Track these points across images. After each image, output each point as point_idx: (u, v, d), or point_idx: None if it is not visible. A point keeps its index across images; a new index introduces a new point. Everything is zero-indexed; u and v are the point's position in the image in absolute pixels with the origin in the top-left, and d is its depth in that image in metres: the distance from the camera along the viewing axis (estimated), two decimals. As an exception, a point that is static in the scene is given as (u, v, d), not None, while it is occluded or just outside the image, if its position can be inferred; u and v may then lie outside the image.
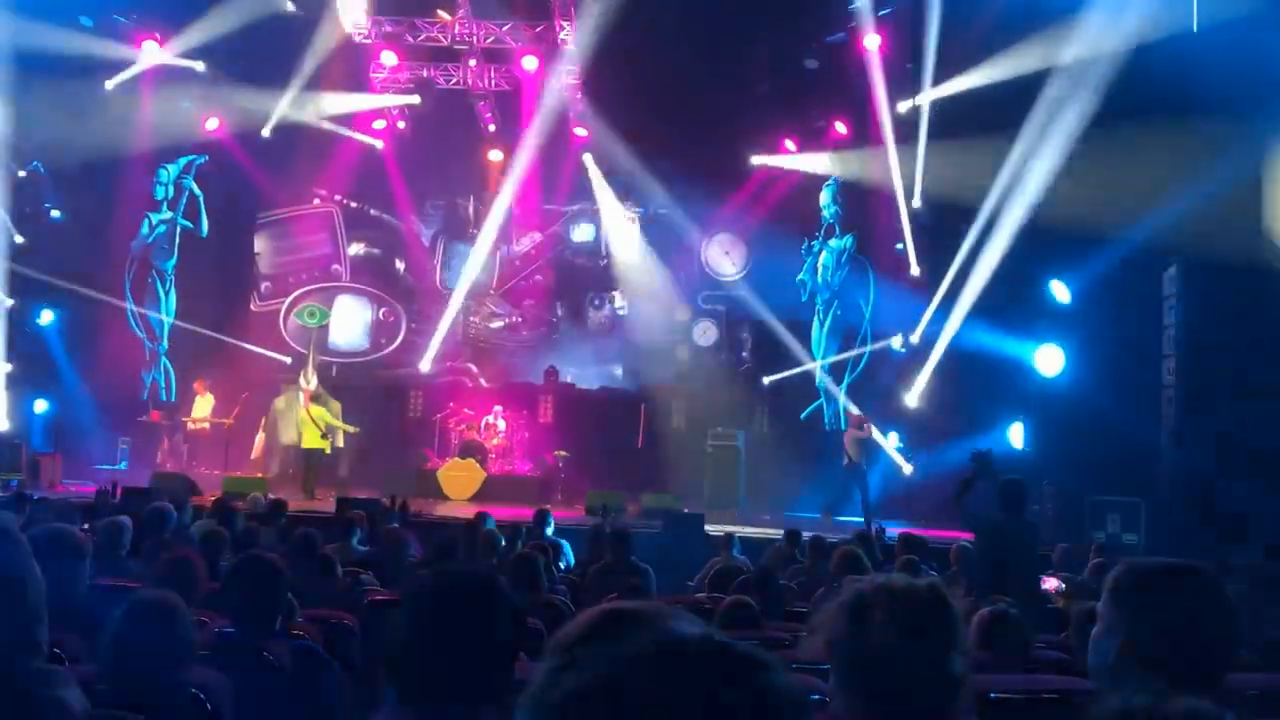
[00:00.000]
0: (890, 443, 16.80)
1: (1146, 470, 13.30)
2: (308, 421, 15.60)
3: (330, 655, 4.10)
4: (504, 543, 7.76)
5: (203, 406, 17.51)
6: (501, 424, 17.85)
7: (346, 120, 18.71)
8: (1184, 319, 13.12)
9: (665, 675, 0.87)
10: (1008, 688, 3.44)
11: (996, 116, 14.38)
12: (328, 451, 15.87)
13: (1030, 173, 13.93)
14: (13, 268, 16.38)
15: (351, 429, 16.30)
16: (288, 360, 19.17)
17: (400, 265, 20.49)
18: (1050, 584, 7.17)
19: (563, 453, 17.14)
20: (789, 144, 18.14)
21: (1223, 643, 1.98)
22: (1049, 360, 14.08)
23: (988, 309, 14.93)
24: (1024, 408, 14.75)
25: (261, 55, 17.35)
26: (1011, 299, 14.71)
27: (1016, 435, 14.95)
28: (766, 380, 18.25)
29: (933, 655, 1.81)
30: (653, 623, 0.93)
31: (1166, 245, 12.86)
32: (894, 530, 10.43)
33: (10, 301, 16.19)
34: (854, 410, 16.46)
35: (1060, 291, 14.25)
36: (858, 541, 8.26)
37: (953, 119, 15.34)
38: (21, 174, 16.67)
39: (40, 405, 16.65)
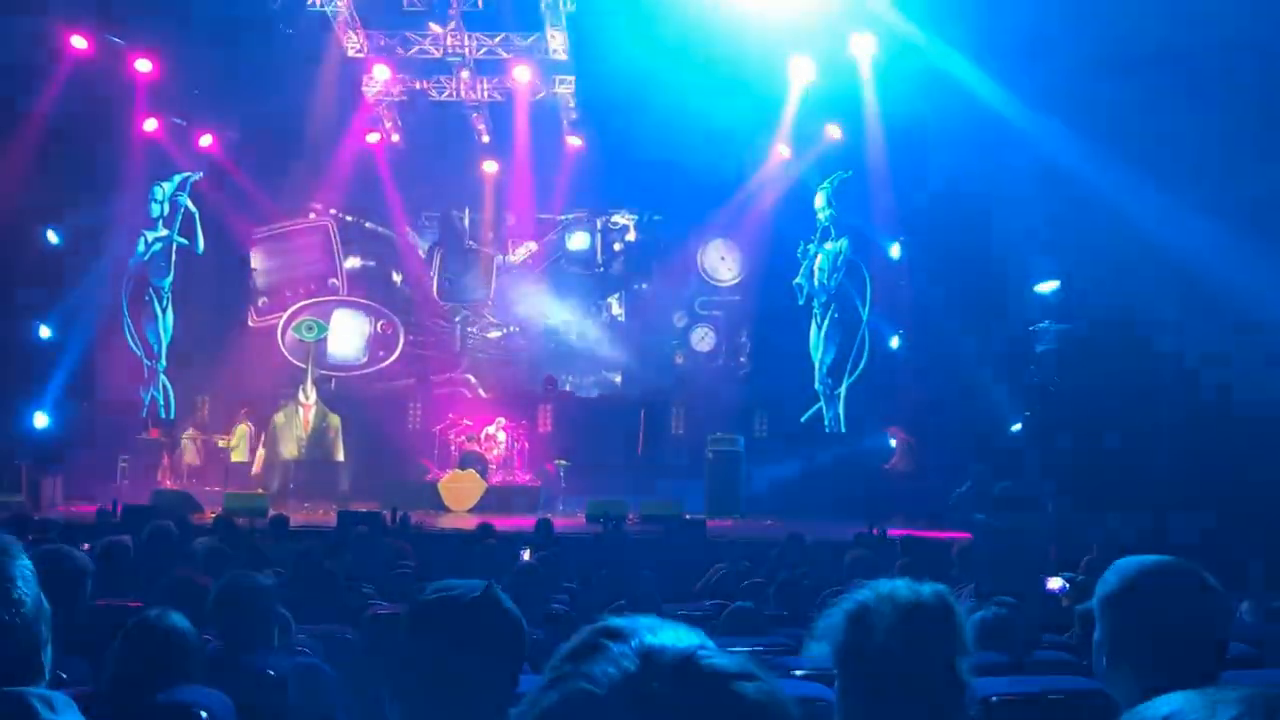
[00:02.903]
0: (892, 443, 16.86)
1: (1149, 467, 13.27)
2: (246, 437, 16.41)
3: (332, 670, 4.09)
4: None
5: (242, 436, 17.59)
6: (501, 434, 17.85)
7: (341, 134, 18.71)
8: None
9: (640, 689, 0.89)
10: (1012, 690, 3.44)
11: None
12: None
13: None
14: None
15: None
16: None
17: (397, 277, 20.50)
18: (1054, 584, 7.15)
19: (563, 461, 17.14)
20: (782, 149, 18.14)
21: (1212, 637, 1.97)
22: (1044, 357, 14.03)
23: (984, 304, 14.93)
24: (1024, 404, 14.72)
25: (255, 72, 17.34)
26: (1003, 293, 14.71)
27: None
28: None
29: (937, 660, 1.82)
30: (635, 636, 0.94)
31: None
32: (895, 532, 10.42)
33: None
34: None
35: (1050, 287, 14.15)
36: (863, 544, 8.26)
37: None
38: None
39: (39, 422, 16.61)
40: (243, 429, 16.72)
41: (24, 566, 2.04)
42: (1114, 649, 1.97)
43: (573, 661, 0.94)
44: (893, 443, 16.32)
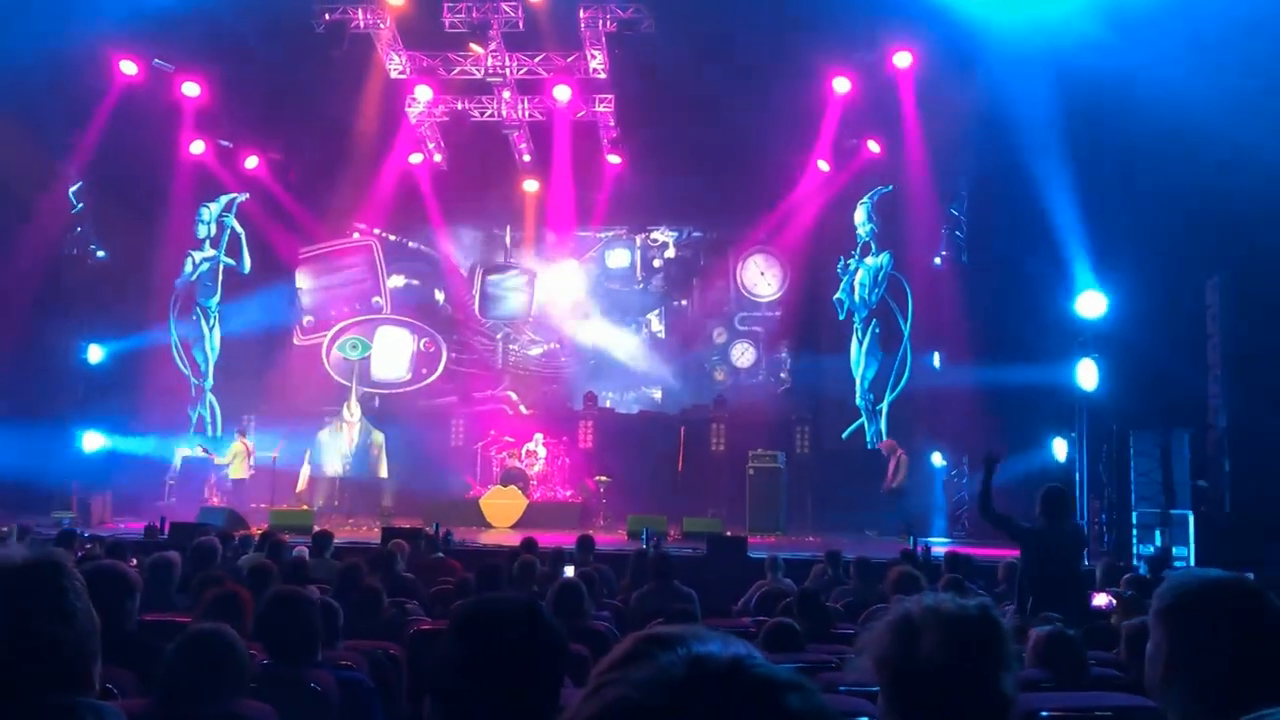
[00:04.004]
0: (935, 461, 16.74)
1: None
2: (242, 454, 16.74)
3: (377, 685, 4.11)
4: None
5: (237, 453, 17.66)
6: (542, 451, 17.89)
7: (384, 154, 18.90)
8: (1227, 328, 12.93)
9: (686, 697, 0.88)
10: (1063, 706, 3.40)
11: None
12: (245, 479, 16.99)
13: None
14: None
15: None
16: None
17: (440, 296, 20.66)
18: (1100, 600, 7.05)
19: (604, 478, 17.14)
20: (821, 164, 18.11)
21: (1271, 655, 1.91)
22: (1087, 375, 13.84)
23: (1025, 322, 14.81)
24: (1066, 422, 14.54)
25: (299, 95, 17.58)
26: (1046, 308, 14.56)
27: (1060, 450, 14.75)
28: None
29: (982, 675, 1.79)
30: (682, 645, 0.94)
31: (1208, 252, 12.70)
32: (940, 549, 10.32)
33: None
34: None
35: (1093, 303, 13.87)
36: (907, 561, 8.18)
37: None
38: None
39: (89, 444, 16.88)
40: (237, 446, 16.91)
41: (74, 581, 2.07)
42: (1170, 664, 1.92)
43: (619, 669, 0.93)
44: (883, 452, 16.27)
